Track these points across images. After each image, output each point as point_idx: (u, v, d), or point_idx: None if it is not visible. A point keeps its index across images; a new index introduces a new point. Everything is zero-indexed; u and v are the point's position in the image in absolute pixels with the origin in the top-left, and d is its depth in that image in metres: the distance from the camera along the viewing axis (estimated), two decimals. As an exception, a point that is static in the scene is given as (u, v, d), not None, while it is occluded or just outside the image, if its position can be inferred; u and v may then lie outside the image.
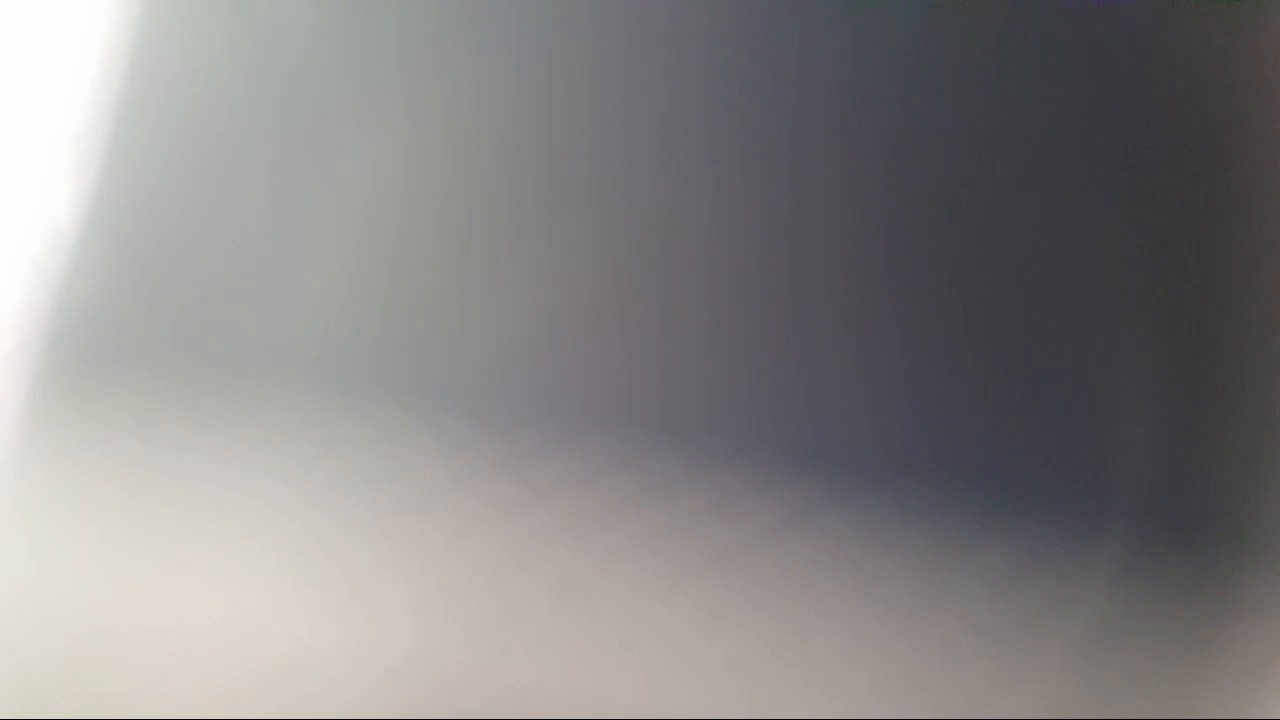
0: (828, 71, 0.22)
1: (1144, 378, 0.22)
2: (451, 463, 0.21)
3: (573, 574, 0.21)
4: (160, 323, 0.22)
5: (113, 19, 0.22)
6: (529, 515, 0.21)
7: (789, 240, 0.22)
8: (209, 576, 0.21)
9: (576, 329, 0.22)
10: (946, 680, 0.21)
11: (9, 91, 0.23)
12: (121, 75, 0.22)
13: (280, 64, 0.22)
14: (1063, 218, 0.22)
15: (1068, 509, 0.21)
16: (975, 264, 0.22)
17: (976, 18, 0.22)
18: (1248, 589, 0.21)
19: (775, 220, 0.22)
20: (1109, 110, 0.22)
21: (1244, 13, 0.22)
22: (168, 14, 0.22)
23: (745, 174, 0.22)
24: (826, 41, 0.22)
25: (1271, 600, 0.21)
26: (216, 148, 0.22)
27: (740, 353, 0.22)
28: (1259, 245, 0.22)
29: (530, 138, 0.22)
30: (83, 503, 0.21)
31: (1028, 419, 0.21)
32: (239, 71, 0.22)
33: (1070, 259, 0.22)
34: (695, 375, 0.22)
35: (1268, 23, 0.22)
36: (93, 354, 0.21)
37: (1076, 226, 0.22)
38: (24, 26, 0.23)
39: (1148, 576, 0.21)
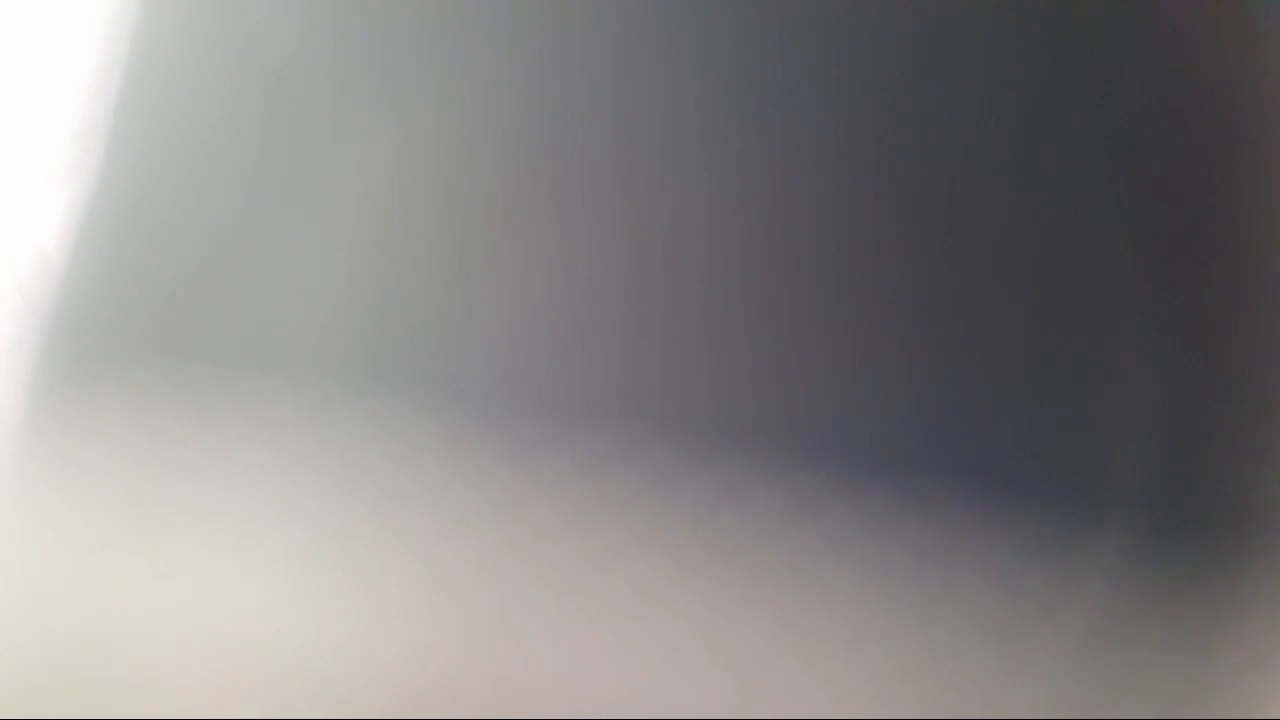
0: (823, 64, 0.22)
1: (1146, 372, 0.22)
2: (451, 456, 0.21)
3: (574, 567, 0.21)
4: (158, 319, 0.21)
5: (104, 28, 0.22)
6: (530, 508, 0.21)
7: (791, 233, 0.22)
8: (207, 572, 0.21)
9: (577, 321, 0.22)
10: (949, 673, 0.21)
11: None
12: (114, 77, 0.22)
13: (271, 64, 0.22)
14: (1063, 210, 0.22)
15: (1071, 503, 0.21)
16: (978, 256, 0.22)
17: (973, 16, 0.22)
18: (1249, 583, 0.21)
19: (775, 212, 0.22)
20: (1108, 106, 0.22)
21: (1245, 11, 0.22)
22: (158, 20, 0.22)
23: (745, 166, 0.22)
24: (822, 38, 0.22)
25: (1273, 594, 0.21)
26: (211, 146, 0.22)
27: (743, 345, 0.22)
28: (1260, 240, 0.22)
29: (527, 129, 0.22)
30: (81, 500, 0.21)
31: (1031, 412, 0.21)
32: (231, 72, 0.22)
33: (1072, 252, 0.22)
34: (697, 367, 0.21)
35: (1268, 22, 0.22)
36: (91, 351, 0.21)
37: (1077, 219, 0.22)
38: (13, 39, 0.23)
39: (1150, 570, 0.21)
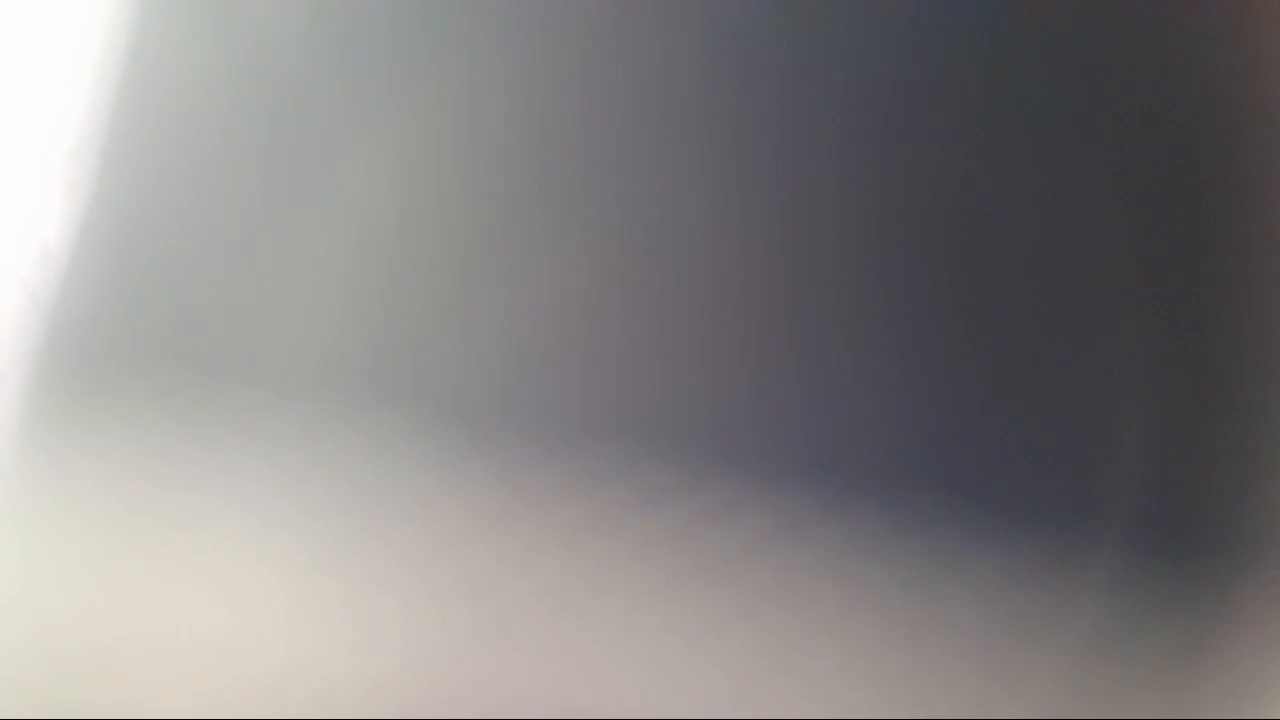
0: (822, 79, 0.22)
1: (1139, 387, 0.22)
2: (445, 473, 0.21)
3: (566, 584, 0.21)
4: (154, 333, 0.21)
5: (105, 32, 0.22)
6: (523, 525, 0.21)
7: (784, 250, 0.22)
8: (203, 586, 0.21)
9: (571, 339, 0.22)
10: (942, 691, 0.21)
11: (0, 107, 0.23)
12: (113, 88, 0.22)
13: (272, 73, 0.22)
14: (1059, 229, 0.22)
15: (1063, 519, 0.21)
16: (970, 274, 0.22)
17: (971, 18, 0.22)
18: (1243, 598, 0.21)
19: (770, 230, 0.22)
20: (1105, 116, 0.22)
21: (1244, 12, 0.22)
22: (159, 23, 0.22)
23: (740, 184, 0.22)
24: (821, 47, 0.22)
25: (1267, 609, 0.21)
26: (209, 158, 0.22)
27: (735, 363, 0.22)
28: (1256, 256, 0.22)
29: (525, 146, 0.22)
30: (78, 513, 0.21)
31: (1023, 429, 0.21)
32: (231, 82, 0.22)
33: (1065, 270, 0.22)
34: (689, 385, 0.21)
35: (1268, 22, 0.22)
36: (88, 364, 0.21)
37: (1072, 238, 0.22)
38: (15, 41, 0.23)
39: (1143, 586, 0.21)
